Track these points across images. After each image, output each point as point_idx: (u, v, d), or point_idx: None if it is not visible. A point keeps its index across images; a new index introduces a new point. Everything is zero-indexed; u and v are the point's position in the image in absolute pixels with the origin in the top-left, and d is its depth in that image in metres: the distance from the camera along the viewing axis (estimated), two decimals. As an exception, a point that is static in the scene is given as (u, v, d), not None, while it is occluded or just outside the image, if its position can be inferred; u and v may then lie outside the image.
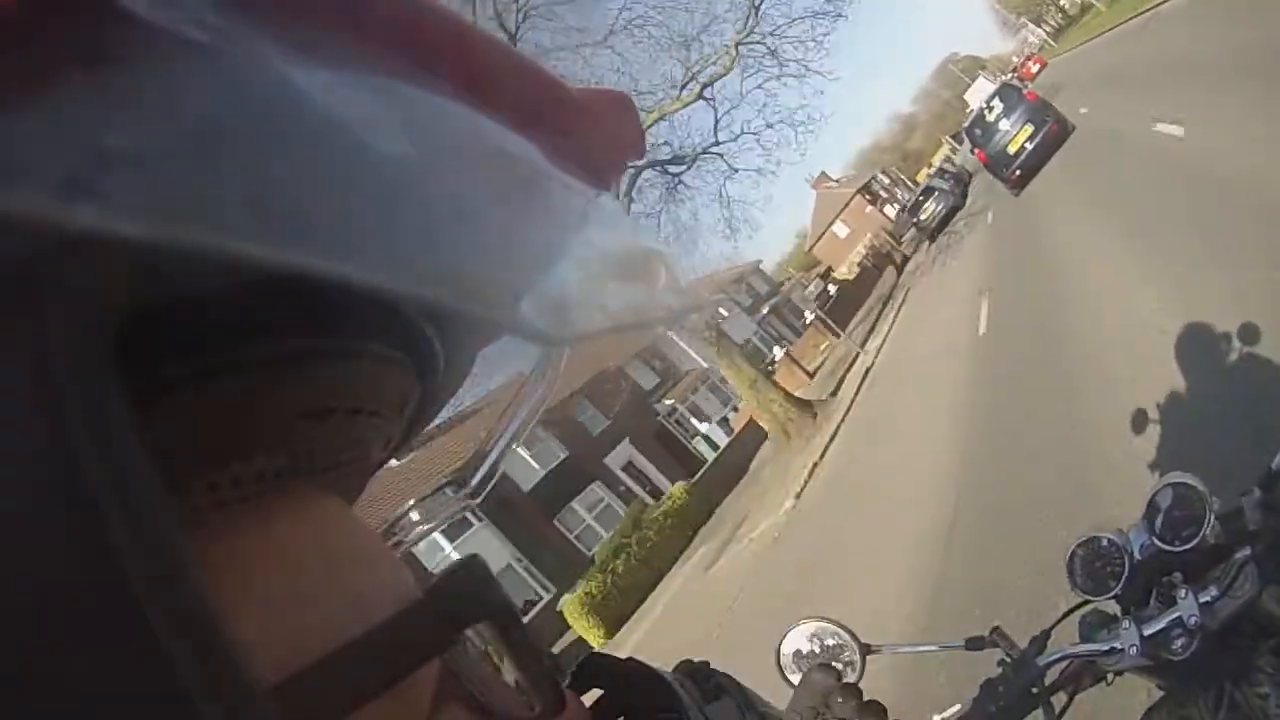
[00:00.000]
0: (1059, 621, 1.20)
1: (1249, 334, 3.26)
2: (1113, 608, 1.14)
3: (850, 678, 1.18)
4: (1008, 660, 1.13)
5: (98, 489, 0.16)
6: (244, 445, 0.24)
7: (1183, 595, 1.02)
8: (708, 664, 0.52)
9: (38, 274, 0.16)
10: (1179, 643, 1.02)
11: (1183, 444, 3.24)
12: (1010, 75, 38.36)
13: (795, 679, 1.19)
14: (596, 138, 0.33)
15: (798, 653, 1.21)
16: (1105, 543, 1.13)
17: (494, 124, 0.27)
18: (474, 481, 0.40)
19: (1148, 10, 16.62)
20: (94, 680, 0.15)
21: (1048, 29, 62.45)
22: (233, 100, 0.18)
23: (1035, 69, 36.73)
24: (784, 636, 1.21)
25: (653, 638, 12.30)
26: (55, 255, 0.16)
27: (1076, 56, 27.92)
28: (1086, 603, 1.16)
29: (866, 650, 1.19)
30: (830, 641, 1.20)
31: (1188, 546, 1.05)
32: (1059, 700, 1.11)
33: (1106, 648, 1.06)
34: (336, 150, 0.20)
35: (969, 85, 55.63)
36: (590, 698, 0.45)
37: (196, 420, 0.23)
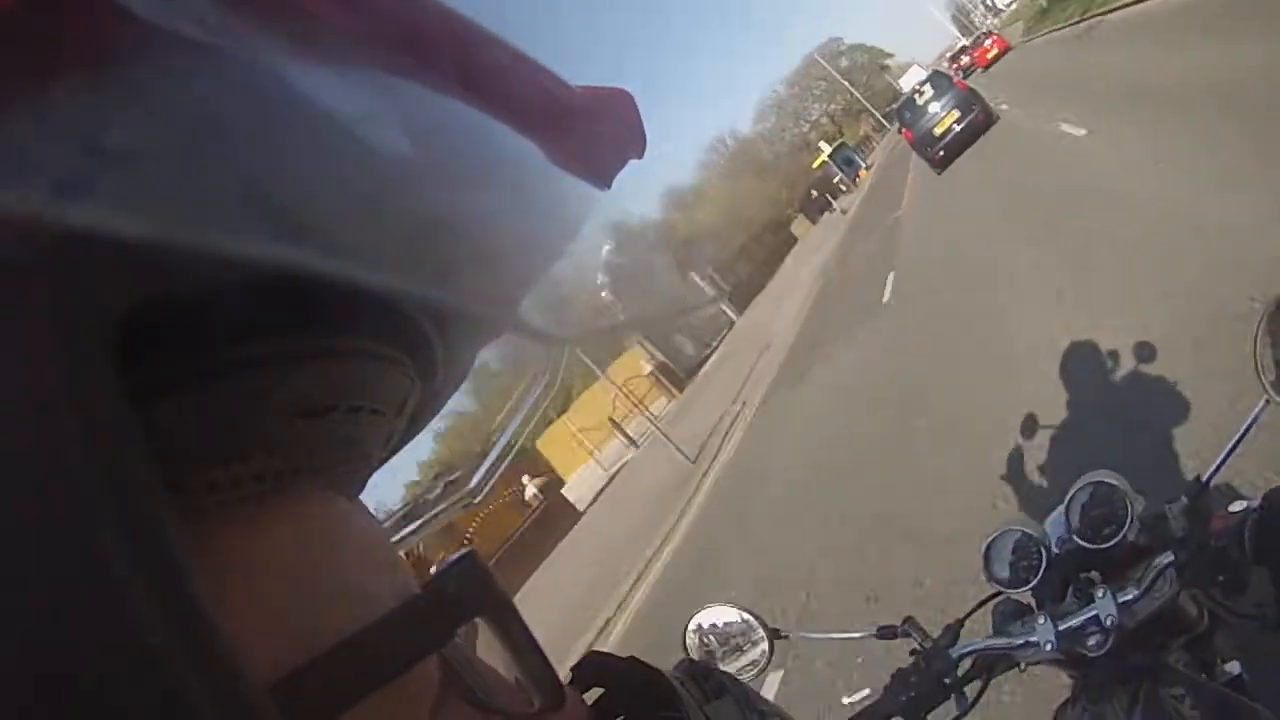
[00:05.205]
0: (971, 612, 1.19)
1: (1145, 351, 3.29)
2: (1027, 599, 1.13)
3: (760, 663, 1.18)
4: (919, 650, 1.13)
5: (94, 490, 0.16)
6: (244, 445, 0.24)
7: (1101, 595, 1.02)
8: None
9: (35, 273, 0.16)
10: (1094, 639, 1.02)
11: (1070, 453, 3.26)
12: (961, 58, 33.83)
13: (698, 656, 1.18)
14: (598, 136, 0.33)
15: (701, 629, 1.19)
16: (1021, 535, 1.13)
17: (495, 123, 0.27)
18: (475, 480, 0.40)
19: (1092, 17, 16.29)
20: (92, 682, 0.15)
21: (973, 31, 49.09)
22: (232, 99, 0.18)
23: (993, 52, 29.52)
24: (690, 618, 1.21)
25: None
26: (53, 254, 0.16)
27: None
28: (1000, 594, 1.16)
29: (775, 635, 1.19)
30: (737, 624, 1.19)
31: (1108, 545, 1.05)
32: (972, 689, 1.10)
33: (1021, 641, 1.06)
34: (336, 149, 0.20)
35: (849, 91, 47.28)
36: (591, 696, 0.45)
37: (196, 420, 0.23)
